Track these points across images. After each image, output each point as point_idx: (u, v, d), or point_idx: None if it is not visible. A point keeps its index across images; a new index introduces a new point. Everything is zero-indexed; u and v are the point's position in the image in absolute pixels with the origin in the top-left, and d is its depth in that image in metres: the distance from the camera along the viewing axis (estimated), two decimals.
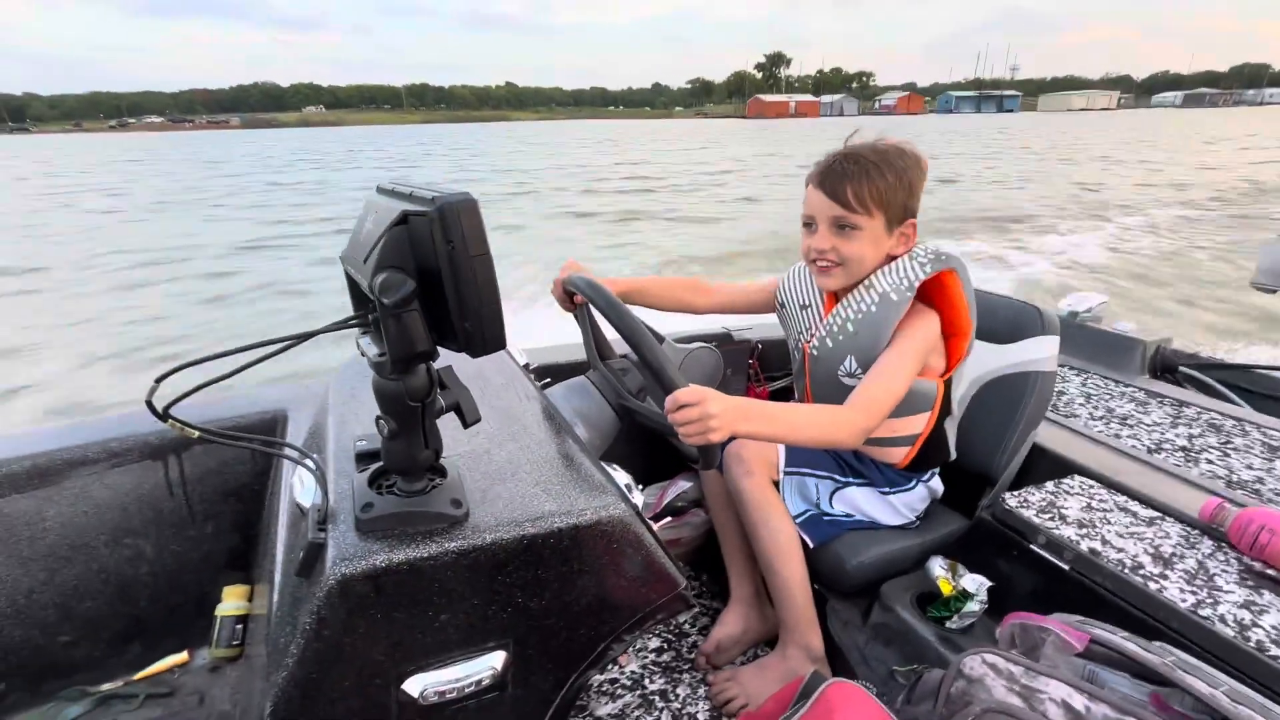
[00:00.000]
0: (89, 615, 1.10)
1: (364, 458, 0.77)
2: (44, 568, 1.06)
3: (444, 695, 0.70)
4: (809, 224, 1.18)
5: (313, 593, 0.63)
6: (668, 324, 1.32)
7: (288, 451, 0.71)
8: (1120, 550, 1.03)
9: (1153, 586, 0.95)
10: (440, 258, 0.54)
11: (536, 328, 2.58)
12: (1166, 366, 1.99)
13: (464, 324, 0.56)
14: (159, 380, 0.58)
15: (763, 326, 1.81)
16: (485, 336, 0.58)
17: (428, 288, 0.56)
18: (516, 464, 0.80)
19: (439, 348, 0.61)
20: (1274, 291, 1.04)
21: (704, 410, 0.88)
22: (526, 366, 1.19)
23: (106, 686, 1.08)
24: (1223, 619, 0.89)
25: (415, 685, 0.68)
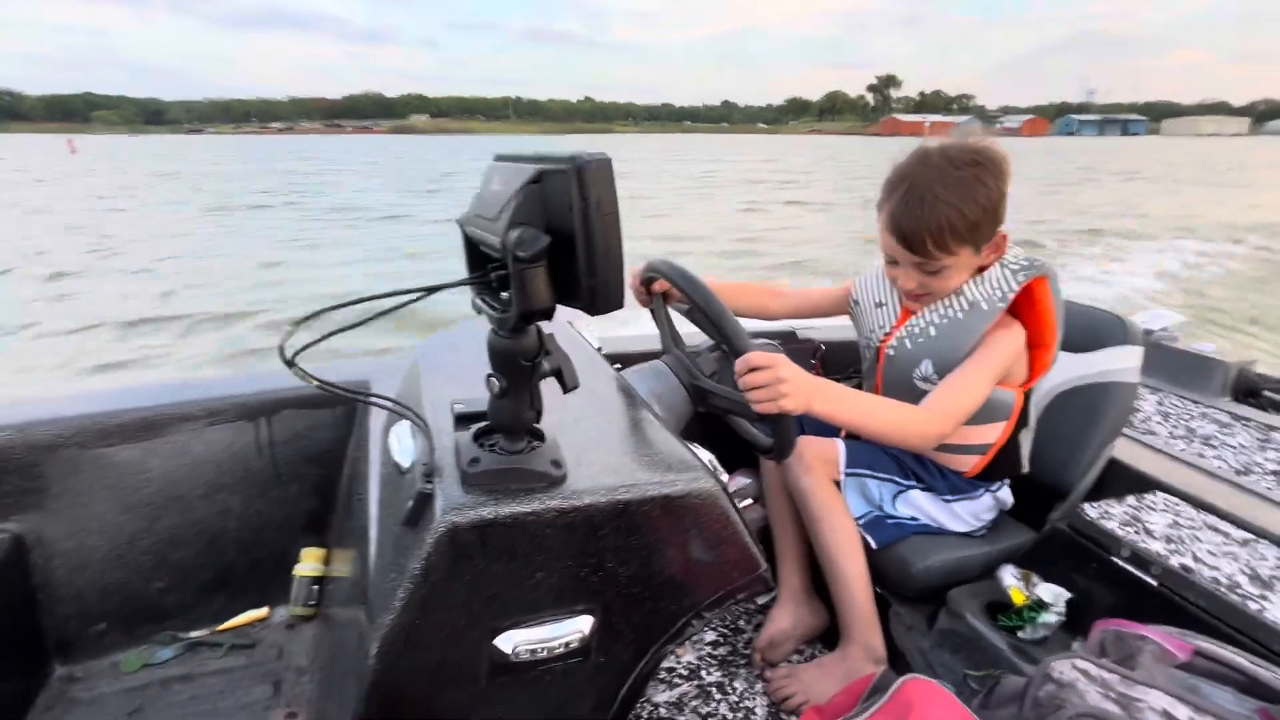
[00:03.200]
0: (181, 564, 1.16)
1: (462, 420, 0.80)
2: (145, 515, 1.12)
3: (534, 654, 0.71)
4: (891, 261, 1.14)
5: (422, 539, 0.65)
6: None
7: (397, 407, 0.74)
8: (1214, 569, 0.99)
9: (1253, 606, 0.91)
10: (575, 214, 0.56)
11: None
12: (1250, 390, 1.90)
13: (590, 281, 0.58)
14: (295, 324, 0.62)
15: (827, 327, 1.79)
16: (609, 295, 0.59)
17: (556, 245, 0.58)
18: (605, 435, 0.82)
19: (558, 305, 0.63)
20: None
21: (776, 374, 0.88)
22: (599, 350, 1.22)
23: (195, 634, 1.14)
24: None
25: (508, 641, 0.70)
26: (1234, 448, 1.47)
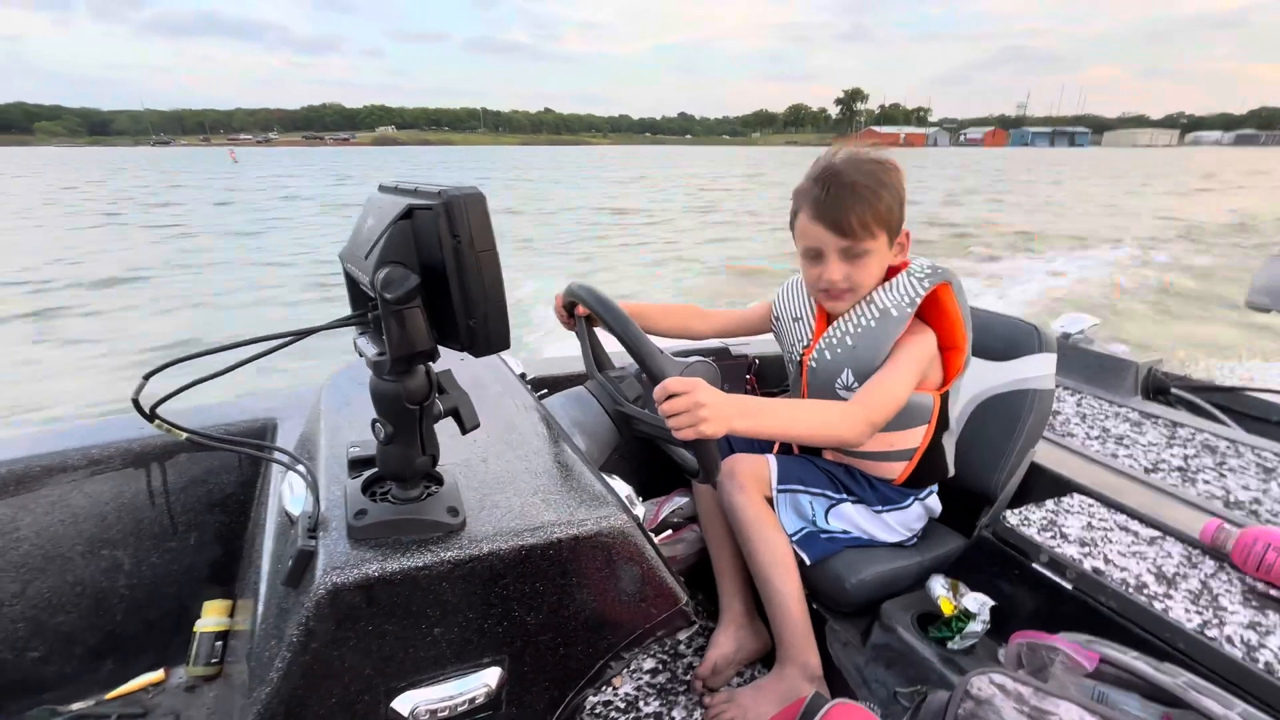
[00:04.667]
0: (61, 630, 1.05)
1: (357, 465, 0.75)
2: (15, 579, 1.02)
3: (435, 714, 0.67)
4: (815, 255, 1.17)
5: (301, 603, 0.60)
6: (666, 341, 1.33)
7: (278, 456, 0.68)
8: (1123, 570, 1.02)
9: (1158, 606, 0.94)
10: (446, 252, 0.53)
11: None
12: (1158, 388, 2.01)
13: (469, 321, 0.55)
14: (147, 377, 0.56)
15: (760, 342, 1.80)
16: (490, 334, 0.56)
17: (431, 284, 0.55)
18: (514, 473, 0.78)
19: (439, 348, 0.59)
20: (1268, 310, 1.05)
21: (694, 399, 0.87)
22: (523, 376, 1.18)
23: (77, 706, 1.03)
24: (1230, 640, 0.88)
25: (406, 703, 0.65)
26: (1144, 445, 1.54)
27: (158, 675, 1.10)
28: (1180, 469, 1.42)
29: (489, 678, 0.69)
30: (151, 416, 0.57)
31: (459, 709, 0.68)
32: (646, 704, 1.22)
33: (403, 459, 0.65)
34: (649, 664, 1.32)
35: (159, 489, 1.11)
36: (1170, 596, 0.96)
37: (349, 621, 0.61)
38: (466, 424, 0.66)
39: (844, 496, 1.27)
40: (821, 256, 1.16)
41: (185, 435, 0.60)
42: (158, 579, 1.12)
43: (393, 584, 0.61)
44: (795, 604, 1.17)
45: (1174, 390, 2.00)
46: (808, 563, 1.21)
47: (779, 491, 1.24)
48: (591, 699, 1.21)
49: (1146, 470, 1.41)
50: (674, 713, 1.20)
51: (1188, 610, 0.93)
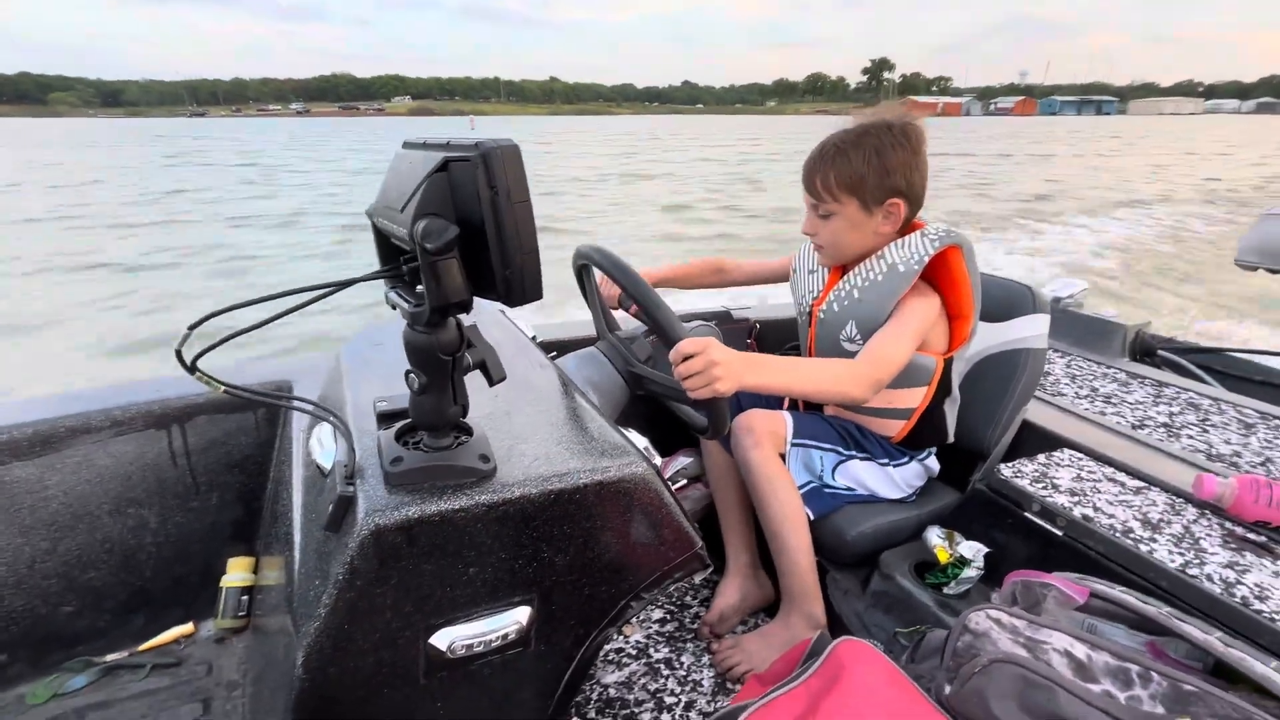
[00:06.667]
0: (93, 585, 1.08)
1: (386, 418, 0.77)
2: (46, 537, 1.04)
3: (471, 649, 0.71)
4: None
5: (345, 544, 0.63)
6: (669, 304, 1.37)
7: (311, 408, 0.71)
8: (1111, 516, 1.08)
9: (1143, 549, 1.00)
10: (483, 204, 0.55)
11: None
12: (1146, 350, 2.06)
13: (505, 272, 0.57)
14: (192, 328, 0.58)
15: (761, 307, 1.83)
16: (525, 285, 0.58)
17: (466, 236, 0.57)
18: (537, 425, 0.81)
19: (475, 298, 0.62)
20: (1255, 269, 1.08)
21: (708, 359, 0.90)
22: (534, 339, 1.20)
23: (111, 657, 1.07)
24: (1209, 578, 0.93)
25: (444, 638, 0.69)
26: (1131, 404, 1.59)
27: (187, 628, 1.14)
28: (1165, 425, 1.48)
29: (520, 615, 0.73)
30: (193, 369, 0.59)
31: (492, 644, 0.72)
32: (656, 650, 1.28)
33: (436, 409, 0.68)
34: (657, 614, 1.37)
35: (180, 450, 1.14)
36: (1154, 540, 1.02)
37: (391, 560, 0.64)
38: (494, 376, 0.69)
39: (853, 453, 1.31)
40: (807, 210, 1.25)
41: (224, 389, 0.62)
42: (183, 537, 1.15)
43: (431, 525, 0.65)
44: (804, 556, 1.22)
45: (1160, 352, 2.05)
46: (812, 517, 1.26)
47: (792, 445, 1.28)
48: (606, 646, 1.27)
49: (1134, 426, 1.47)
50: (682, 658, 1.26)
51: (1170, 552, 0.99)
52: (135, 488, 1.11)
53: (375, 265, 0.68)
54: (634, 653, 1.27)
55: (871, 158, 1.15)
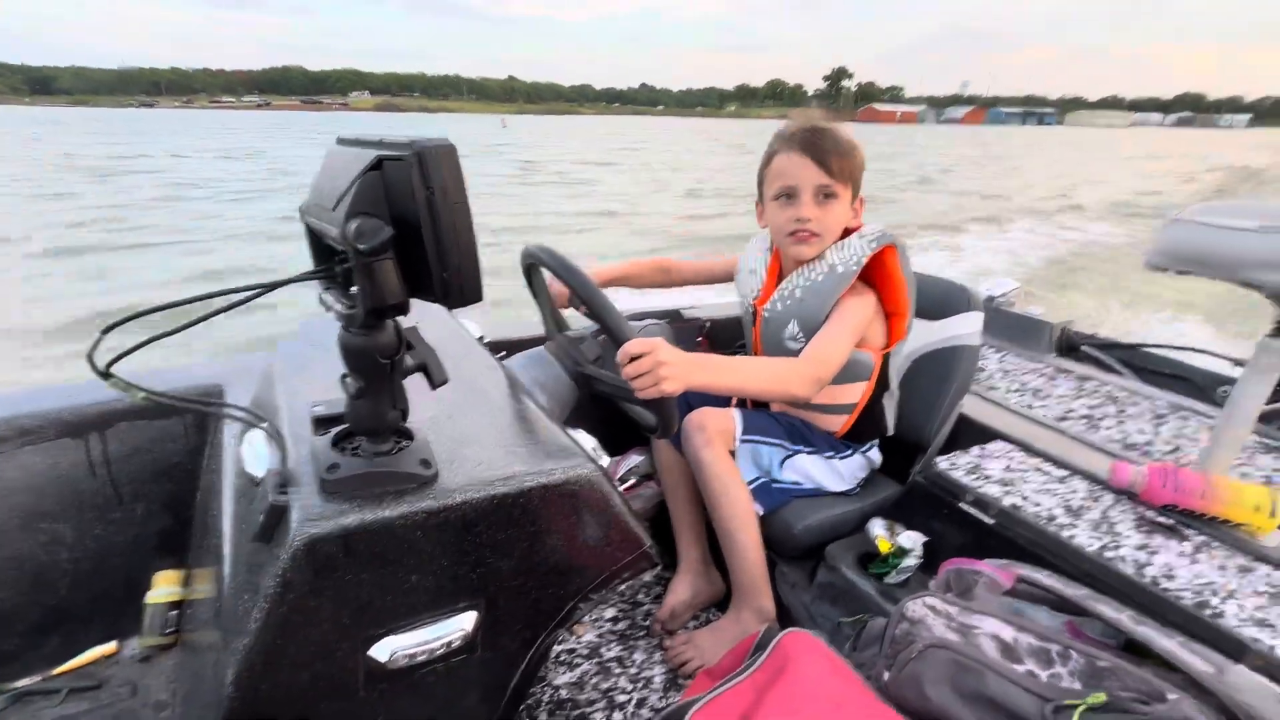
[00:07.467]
0: (0, 607, 1.01)
1: (322, 423, 0.75)
2: None
3: (413, 658, 0.69)
4: (790, 195, 1.24)
5: (276, 556, 0.61)
6: (619, 304, 1.38)
7: (238, 414, 0.68)
8: (1037, 505, 1.14)
9: (1065, 535, 1.06)
10: (419, 203, 0.53)
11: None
12: (1070, 345, 2.19)
13: (443, 274, 0.56)
14: (105, 331, 0.55)
15: (712, 305, 1.85)
16: (464, 287, 0.57)
17: (402, 237, 0.55)
18: (482, 428, 0.80)
19: (412, 301, 0.60)
20: (1165, 270, 1.16)
21: (655, 359, 0.91)
22: (481, 339, 1.18)
23: (23, 682, 1.00)
24: (1123, 560, 1.00)
25: (384, 649, 0.67)
26: (1056, 397, 1.69)
27: (109, 648, 1.07)
28: (1086, 417, 1.57)
29: (465, 622, 0.72)
30: (106, 375, 0.56)
31: (436, 652, 0.70)
32: (609, 649, 1.28)
33: (374, 413, 0.66)
34: (610, 613, 1.38)
35: (99, 459, 1.07)
36: (1075, 526, 1.08)
37: (326, 571, 0.62)
38: (435, 378, 0.68)
39: (799, 447, 1.35)
40: (795, 196, 1.23)
41: (143, 395, 0.59)
42: (103, 551, 1.08)
43: (369, 534, 0.63)
44: (754, 551, 1.25)
45: (1083, 348, 2.18)
46: (761, 512, 1.28)
47: (742, 442, 1.31)
48: (556, 648, 1.26)
49: (1059, 419, 1.56)
50: (634, 655, 1.27)
51: (1090, 537, 1.05)
52: (47, 500, 1.03)
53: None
54: (586, 652, 1.27)
55: (860, 155, 1.22)
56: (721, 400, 1.42)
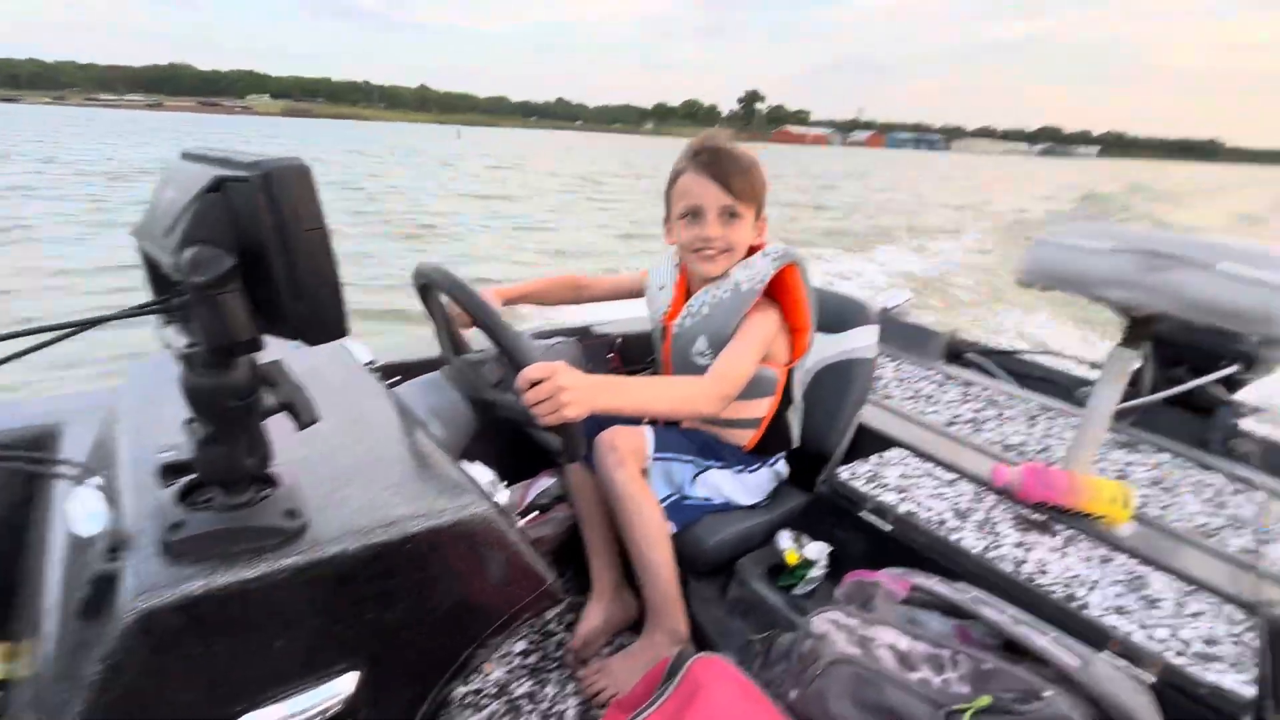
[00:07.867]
0: None
1: (171, 471, 0.66)
2: None
3: None
4: (695, 214, 1.26)
5: (102, 636, 0.52)
6: (528, 322, 1.33)
7: (60, 469, 0.58)
8: (929, 510, 1.20)
9: (954, 538, 1.12)
10: (266, 231, 0.47)
11: None
12: (957, 353, 2.36)
13: (297, 307, 0.50)
14: None
15: (622, 321, 1.84)
16: (324, 321, 0.51)
17: (252, 267, 0.49)
18: (363, 466, 0.73)
19: (268, 336, 0.54)
20: (1032, 286, 1.27)
21: (555, 384, 0.88)
22: (370, 364, 1.10)
23: None
24: (1003, 559, 1.07)
25: None
26: (945, 403, 1.80)
27: None
28: (971, 420, 1.69)
29: (343, 685, 0.65)
30: None
31: None
32: (519, 686, 1.22)
33: (226, 462, 0.58)
34: (520, 646, 1.32)
35: None
36: (963, 528, 1.15)
37: (169, 648, 0.54)
38: (303, 419, 0.61)
39: (710, 462, 1.35)
40: (700, 215, 1.25)
41: None
42: None
43: (220, 600, 0.55)
44: (666, 570, 1.23)
45: (968, 355, 2.36)
46: (674, 530, 1.27)
47: (654, 460, 1.29)
48: (461, 689, 1.19)
49: (947, 424, 1.66)
50: (547, 689, 1.22)
51: (975, 538, 1.12)
52: None
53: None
54: (495, 691, 1.21)
55: (761, 175, 1.26)
56: (633, 418, 1.41)
